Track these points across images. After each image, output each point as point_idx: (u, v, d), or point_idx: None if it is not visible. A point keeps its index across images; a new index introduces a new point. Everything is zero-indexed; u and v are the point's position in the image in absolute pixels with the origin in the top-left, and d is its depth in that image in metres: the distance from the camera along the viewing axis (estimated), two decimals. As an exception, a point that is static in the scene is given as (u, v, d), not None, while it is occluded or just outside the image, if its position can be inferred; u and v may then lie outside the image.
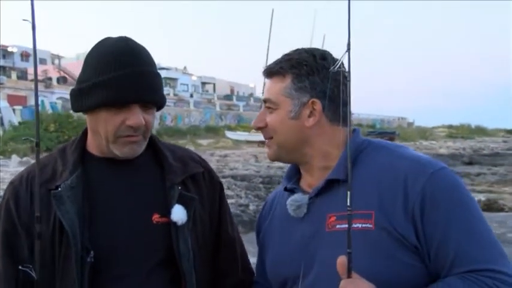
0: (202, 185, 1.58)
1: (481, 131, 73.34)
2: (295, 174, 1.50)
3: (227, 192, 11.32)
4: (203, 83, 79.62)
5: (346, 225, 1.24)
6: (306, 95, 1.38)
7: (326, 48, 1.47)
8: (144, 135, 1.46)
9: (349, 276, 1.12)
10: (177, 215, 1.44)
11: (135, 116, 1.39)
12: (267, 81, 1.46)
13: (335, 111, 1.38)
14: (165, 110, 47.94)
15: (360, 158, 1.35)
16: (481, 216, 1.27)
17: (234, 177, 14.67)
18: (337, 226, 1.32)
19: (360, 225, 1.26)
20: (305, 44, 1.47)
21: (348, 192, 1.16)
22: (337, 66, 1.23)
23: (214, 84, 78.85)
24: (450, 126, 74.50)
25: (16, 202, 1.43)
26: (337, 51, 1.30)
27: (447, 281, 1.21)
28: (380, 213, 1.26)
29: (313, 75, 1.38)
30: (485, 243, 1.23)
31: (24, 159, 19.54)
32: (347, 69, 1.21)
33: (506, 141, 54.31)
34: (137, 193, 1.47)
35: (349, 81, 1.22)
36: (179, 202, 1.46)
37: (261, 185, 14.05)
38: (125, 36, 1.46)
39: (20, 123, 32.35)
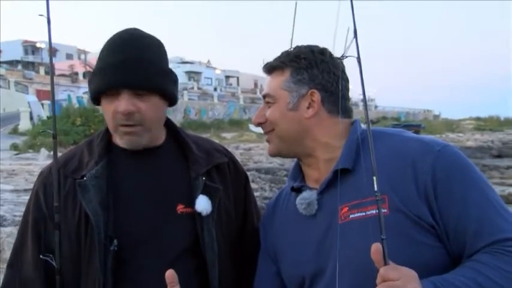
0: (227, 176, 1.58)
1: (510, 123, 71.71)
2: (299, 174, 1.50)
3: (252, 185, 11.36)
4: (227, 77, 79.98)
5: (359, 214, 1.30)
6: (304, 86, 1.41)
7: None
8: (143, 125, 1.42)
9: (385, 263, 1.10)
10: (202, 206, 1.45)
11: (122, 102, 1.39)
12: (267, 77, 1.48)
13: (334, 104, 1.41)
14: (189, 103, 48.28)
15: (364, 146, 1.34)
16: (491, 186, 1.28)
17: (258, 170, 14.68)
18: (351, 216, 1.31)
19: (374, 211, 1.24)
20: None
21: (374, 178, 1.16)
22: (345, 53, 1.23)
23: (238, 78, 79.06)
24: (478, 119, 73.01)
25: (44, 192, 1.47)
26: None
27: (478, 259, 1.19)
28: (393, 196, 1.26)
29: (312, 68, 1.41)
30: (504, 212, 1.23)
31: (52, 152, 19.91)
32: (356, 56, 1.21)
33: (536, 133, 52.99)
34: (162, 184, 1.48)
35: (361, 67, 1.21)
36: (204, 193, 1.46)
37: (285, 178, 14.02)
38: (133, 27, 1.48)
39: (48, 117, 32.94)
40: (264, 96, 1.47)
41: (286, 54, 1.45)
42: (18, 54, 60.44)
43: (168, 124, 1.59)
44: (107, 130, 1.55)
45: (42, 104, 35.94)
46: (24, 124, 31.36)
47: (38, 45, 63.53)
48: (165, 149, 1.52)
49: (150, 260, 1.43)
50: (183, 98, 49.66)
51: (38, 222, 1.46)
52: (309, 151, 1.43)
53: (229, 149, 1.73)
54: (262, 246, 1.55)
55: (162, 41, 1.50)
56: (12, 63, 57.96)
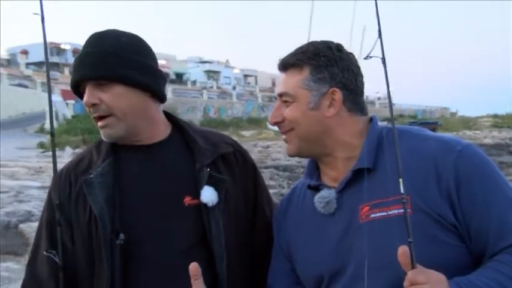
0: (235, 166, 1.56)
1: (527, 121, 70.27)
2: (315, 171, 1.46)
3: (269, 182, 11.35)
4: (245, 76, 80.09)
5: (381, 214, 1.26)
6: (325, 85, 1.35)
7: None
8: (113, 115, 1.43)
9: (413, 266, 1.08)
10: (207, 197, 1.43)
11: (85, 95, 1.42)
12: (282, 74, 1.41)
13: (354, 101, 1.37)
14: (208, 102, 48.42)
15: (383, 144, 1.32)
16: (510, 186, 1.26)
17: (276, 167, 14.66)
18: (372, 215, 1.28)
19: (396, 211, 1.23)
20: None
21: (400, 180, 1.13)
22: (370, 52, 1.18)
23: (256, 77, 79.10)
24: (495, 116, 71.77)
25: (57, 191, 1.47)
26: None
27: (499, 259, 1.17)
28: (415, 196, 1.23)
29: (332, 66, 1.35)
30: None
31: (77, 150, 20.16)
32: (380, 56, 1.18)
33: (554, 130, 51.83)
34: (168, 177, 1.48)
35: (385, 67, 1.19)
36: (209, 184, 1.45)
37: (302, 175, 14.01)
38: (112, 28, 1.50)
39: (72, 116, 33.35)
40: (281, 95, 1.39)
41: (302, 51, 1.38)
42: (44, 55, 61.25)
43: (172, 119, 1.59)
44: None
45: (67, 104, 36.38)
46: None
47: (62, 46, 64.39)
48: (170, 143, 1.52)
49: (158, 253, 1.42)
50: (203, 97, 49.84)
51: (50, 222, 1.46)
52: (329, 150, 1.38)
53: (248, 147, 1.71)
54: (275, 243, 1.52)
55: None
56: (38, 65, 58.81)
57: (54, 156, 1.42)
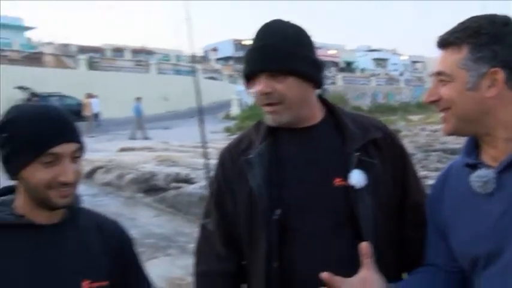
0: (384, 150, 1.52)
1: None
2: (474, 149, 1.31)
3: (437, 165, 10.65)
4: (413, 62, 76.26)
5: None
6: (484, 65, 1.19)
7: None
8: (282, 103, 1.46)
9: None
10: (355, 179, 1.43)
11: (260, 84, 1.46)
12: (441, 52, 1.27)
13: None
14: (376, 88, 47.06)
15: None
16: None
17: (444, 150, 13.65)
18: None
19: None
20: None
21: None
22: None
23: (424, 63, 74.73)
24: None
25: (222, 167, 1.60)
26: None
27: None
28: None
29: (494, 43, 1.18)
30: None
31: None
32: None
33: None
34: (321, 159, 1.49)
35: None
36: (358, 167, 1.44)
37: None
38: (278, 19, 1.52)
39: (254, 103, 35.15)
40: (438, 74, 1.27)
41: (463, 28, 1.23)
42: (230, 51, 65.84)
43: (327, 104, 1.60)
44: None
45: (249, 93, 38.45)
46: (235, 110, 34.13)
47: (243, 42, 68.39)
48: (323, 126, 1.53)
49: (311, 228, 1.45)
50: (371, 84, 48.69)
51: (219, 192, 1.60)
52: (489, 130, 1.24)
53: (416, 131, 1.64)
54: (431, 223, 1.42)
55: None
56: (226, 60, 63.42)
57: (202, 132, 1.51)
